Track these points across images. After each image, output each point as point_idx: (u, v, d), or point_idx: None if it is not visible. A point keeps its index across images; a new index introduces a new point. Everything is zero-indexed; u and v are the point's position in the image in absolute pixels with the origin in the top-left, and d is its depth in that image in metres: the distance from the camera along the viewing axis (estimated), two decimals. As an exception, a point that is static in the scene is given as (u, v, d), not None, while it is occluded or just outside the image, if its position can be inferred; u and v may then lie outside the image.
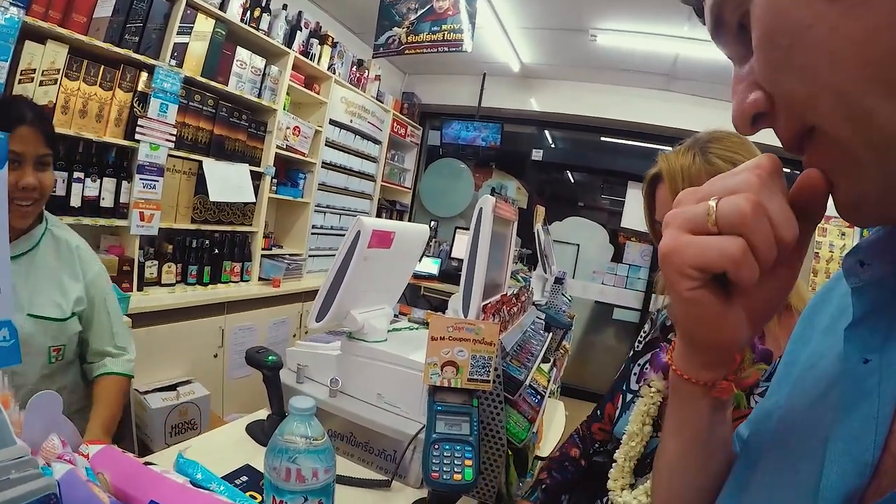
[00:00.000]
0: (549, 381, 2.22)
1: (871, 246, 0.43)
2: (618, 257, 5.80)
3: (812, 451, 0.42)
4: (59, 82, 2.57)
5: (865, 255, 0.43)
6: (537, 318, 2.56)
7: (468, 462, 1.10)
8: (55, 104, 2.58)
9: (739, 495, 0.50)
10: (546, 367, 2.41)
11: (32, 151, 1.45)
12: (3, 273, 0.50)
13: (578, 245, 5.99)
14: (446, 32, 3.80)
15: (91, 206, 2.80)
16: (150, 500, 0.50)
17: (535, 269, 3.54)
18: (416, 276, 5.20)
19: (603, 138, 6.13)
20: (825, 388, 0.45)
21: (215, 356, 3.38)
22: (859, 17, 0.32)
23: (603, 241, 5.95)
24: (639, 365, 1.23)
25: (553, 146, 6.62)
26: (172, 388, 2.89)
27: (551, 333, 2.54)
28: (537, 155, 6.07)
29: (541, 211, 3.61)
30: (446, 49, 3.86)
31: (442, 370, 1.18)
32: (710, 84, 4.81)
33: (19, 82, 2.42)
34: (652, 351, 1.16)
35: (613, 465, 1.06)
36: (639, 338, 1.34)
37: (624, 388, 1.24)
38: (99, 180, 2.81)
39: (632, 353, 1.31)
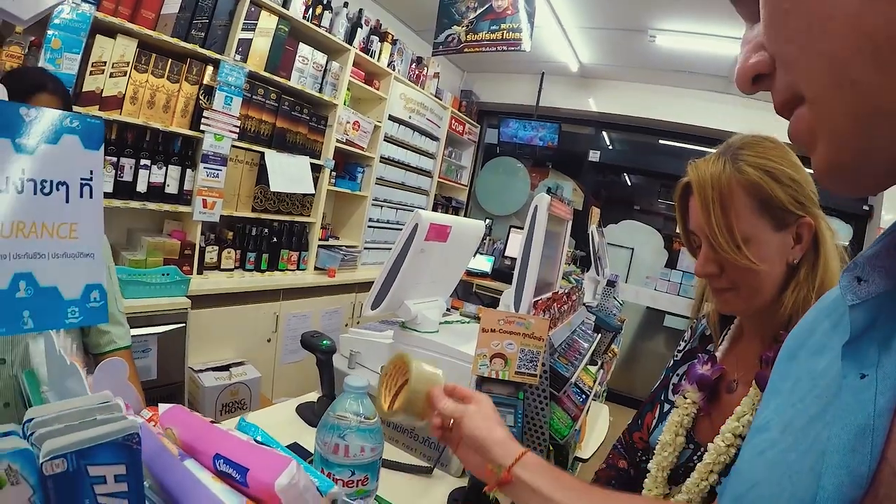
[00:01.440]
0: (594, 382, 2.20)
1: (868, 262, 0.43)
2: (672, 263, 5.68)
3: (809, 465, 0.43)
4: (128, 74, 2.70)
5: (863, 272, 0.43)
6: (587, 318, 2.55)
7: (510, 453, 1.11)
8: (124, 95, 2.70)
9: None
10: (593, 368, 2.40)
11: None
12: (96, 240, 0.55)
13: (633, 249, 5.89)
14: (505, 31, 3.80)
15: (156, 192, 2.92)
16: (215, 453, 0.54)
17: (587, 271, 3.51)
18: (469, 273, 5.23)
19: (661, 141, 5.99)
20: (824, 405, 0.46)
21: (269, 341, 3.48)
22: None
23: (658, 246, 5.84)
24: (677, 375, 1.20)
25: (610, 148, 6.53)
26: (225, 368, 3.01)
27: (600, 335, 2.52)
28: (594, 156, 5.99)
29: (595, 212, 3.58)
30: (505, 48, 3.85)
31: (490, 361, 1.19)
32: (770, 87, 4.67)
33: (90, 73, 2.55)
34: (690, 362, 1.15)
35: (647, 474, 1.06)
36: (678, 347, 1.31)
37: (662, 398, 1.22)
38: (164, 168, 2.93)
39: (672, 362, 1.29)
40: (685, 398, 1.06)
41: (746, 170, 0.92)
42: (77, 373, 0.58)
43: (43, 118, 0.50)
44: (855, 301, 0.43)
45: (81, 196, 0.52)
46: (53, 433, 0.45)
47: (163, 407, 0.63)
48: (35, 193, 0.50)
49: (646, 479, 1.06)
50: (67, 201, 0.52)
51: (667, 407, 1.16)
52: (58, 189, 0.51)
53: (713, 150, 1.00)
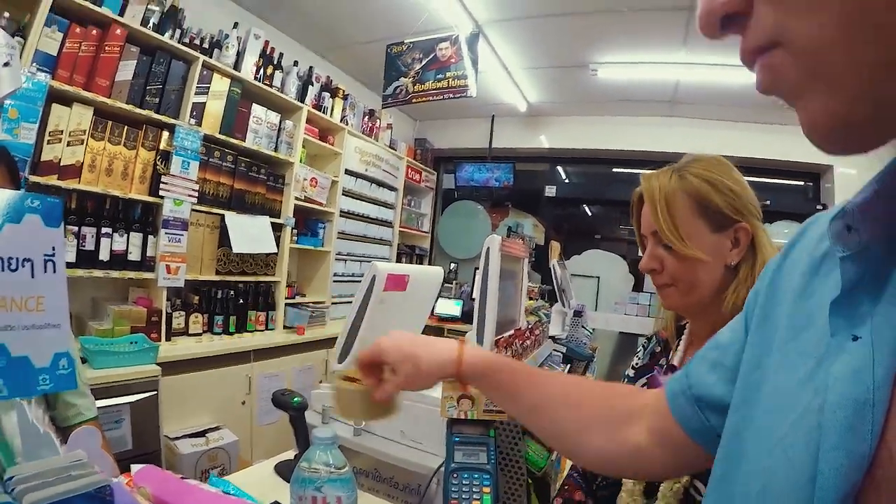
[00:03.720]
0: (569, 412, 2.21)
1: (857, 208, 0.40)
2: (639, 286, 5.77)
3: (804, 436, 0.39)
4: (85, 142, 2.72)
5: (853, 219, 0.40)
6: (554, 350, 2.59)
7: (486, 489, 1.13)
8: (82, 163, 2.72)
9: (730, 487, 0.47)
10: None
11: None
12: (62, 310, 0.58)
13: (598, 277, 5.98)
14: (451, 79, 3.91)
15: (119, 260, 2.91)
16: (186, 505, 0.56)
17: (555, 304, 3.56)
18: (440, 318, 5.27)
19: (615, 169, 6.19)
20: (813, 366, 0.42)
21: (243, 403, 3.43)
22: None
23: (623, 272, 5.94)
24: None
25: (566, 181, 6.68)
26: (202, 434, 2.96)
27: (570, 366, 2.56)
28: (551, 191, 6.13)
29: (556, 246, 3.65)
30: (452, 95, 3.97)
31: (458, 403, 1.22)
32: (712, 106, 4.91)
33: (48, 143, 2.56)
34: (646, 376, 1.21)
35: (622, 488, 1.10)
36: (632, 364, 1.38)
37: None
38: (126, 235, 2.93)
39: (625, 380, 1.34)
40: None
41: (689, 178, 1.05)
42: (51, 441, 0.60)
43: (5, 200, 0.54)
44: (845, 252, 0.40)
45: (45, 271, 0.56)
46: (33, 488, 0.47)
47: (135, 468, 0.65)
48: (3, 270, 0.53)
49: (621, 493, 1.09)
50: (33, 276, 0.55)
51: None
52: (23, 265, 0.55)
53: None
